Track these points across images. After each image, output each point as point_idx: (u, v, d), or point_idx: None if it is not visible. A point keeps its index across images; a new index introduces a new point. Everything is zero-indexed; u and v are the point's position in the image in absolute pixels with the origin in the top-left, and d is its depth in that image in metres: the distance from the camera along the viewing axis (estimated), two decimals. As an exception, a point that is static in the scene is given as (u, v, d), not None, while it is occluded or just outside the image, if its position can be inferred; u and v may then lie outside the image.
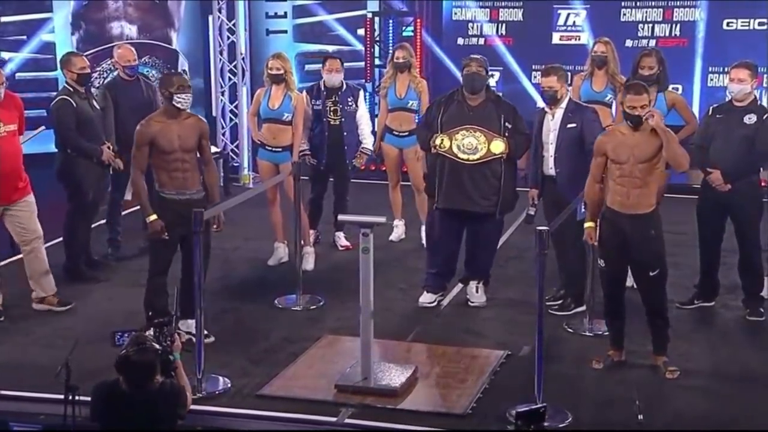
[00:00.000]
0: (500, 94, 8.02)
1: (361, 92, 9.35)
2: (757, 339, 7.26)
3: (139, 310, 7.26)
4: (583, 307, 7.59)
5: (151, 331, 5.51)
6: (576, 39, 14.01)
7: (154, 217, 6.88)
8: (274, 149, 8.84)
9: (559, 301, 7.73)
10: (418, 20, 13.37)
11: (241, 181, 12.29)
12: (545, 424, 5.21)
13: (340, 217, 6.50)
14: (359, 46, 13.92)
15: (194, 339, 6.48)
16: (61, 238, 8.62)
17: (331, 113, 9.07)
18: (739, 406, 6.16)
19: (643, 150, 6.41)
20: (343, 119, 9.09)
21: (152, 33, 13.63)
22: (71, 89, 8.29)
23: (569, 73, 9.17)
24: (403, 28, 13.75)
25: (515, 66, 14.10)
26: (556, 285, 7.79)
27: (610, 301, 6.73)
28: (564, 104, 7.55)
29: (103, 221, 9.24)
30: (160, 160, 6.90)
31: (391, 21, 13.61)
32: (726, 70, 12.99)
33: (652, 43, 13.31)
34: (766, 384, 6.48)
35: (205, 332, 6.61)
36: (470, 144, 7.52)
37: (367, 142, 9.29)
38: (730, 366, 6.75)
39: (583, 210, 7.06)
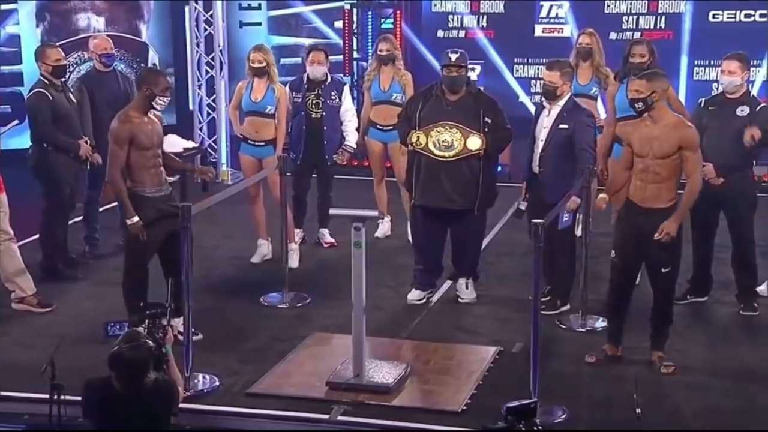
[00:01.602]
0: (481, 88, 8.14)
1: (347, 87, 9.45)
2: (752, 334, 7.47)
3: (120, 309, 7.37)
4: (568, 306, 7.80)
5: (144, 323, 5.59)
6: (559, 32, 14.24)
7: (136, 219, 6.96)
8: (256, 143, 8.98)
9: (546, 298, 7.88)
10: (398, 12, 13.51)
11: (220, 177, 12.33)
12: (537, 419, 5.29)
13: (332, 210, 6.65)
14: (337, 39, 14.05)
15: (181, 337, 6.61)
16: (36, 236, 8.69)
17: (313, 106, 9.18)
18: (737, 401, 6.35)
19: (661, 145, 6.55)
20: (324, 113, 9.20)
21: (120, 25, 13.69)
22: (47, 82, 8.37)
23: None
24: (383, 20, 13.87)
25: (497, 59, 14.29)
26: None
27: (616, 296, 6.90)
28: (562, 102, 7.64)
29: (79, 218, 9.31)
30: (139, 157, 6.97)
31: (370, 13, 13.72)
32: (712, 63, 13.49)
33: (637, 35, 13.51)
34: (762, 379, 6.69)
35: (192, 330, 6.73)
36: (446, 140, 7.65)
37: (351, 139, 9.38)
38: (727, 361, 6.94)
39: (565, 219, 7.21)
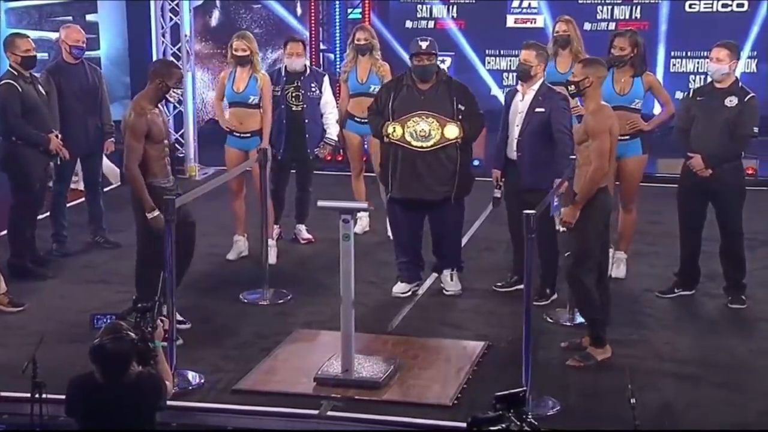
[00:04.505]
0: (449, 74, 8.37)
1: (326, 78, 9.61)
2: (741, 326, 7.79)
3: (93, 307, 7.54)
4: (556, 295, 8.11)
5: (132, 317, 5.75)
6: (532, 22, 14.44)
7: (156, 212, 7.22)
8: (242, 135, 9.14)
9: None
10: (366, 1, 13.68)
11: (187, 173, 12.49)
12: (527, 410, 5.45)
13: (320, 203, 6.82)
14: (302, 29, 14.22)
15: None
16: (2, 233, 8.85)
17: (293, 99, 9.35)
18: (727, 392, 6.66)
19: (577, 132, 7.04)
20: (305, 105, 9.37)
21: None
22: (16, 73, 8.53)
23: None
24: (350, 10, 14.06)
25: (468, 50, 14.48)
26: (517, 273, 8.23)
27: None
28: (536, 86, 7.97)
29: (46, 215, 9.44)
30: (152, 150, 7.29)
31: (336, 2, 13.91)
32: (689, 54, 13.81)
33: (612, 26, 13.81)
34: (752, 370, 7.02)
35: (180, 318, 7.02)
36: (423, 130, 7.92)
37: (332, 131, 9.56)
38: (717, 354, 7.27)
39: (555, 203, 7.49)
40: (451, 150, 7.97)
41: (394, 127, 7.97)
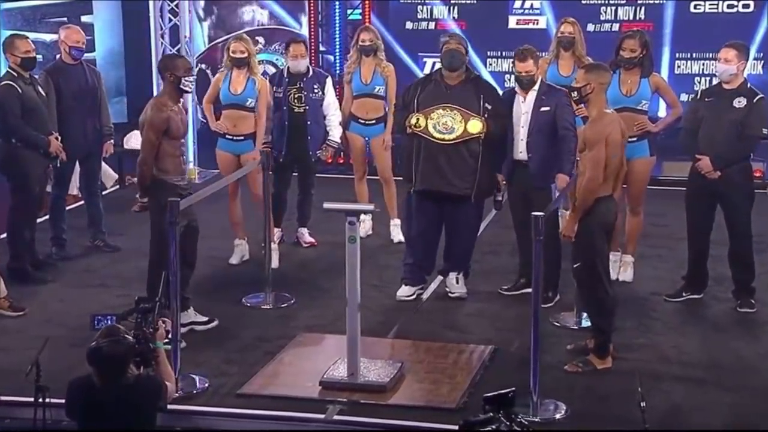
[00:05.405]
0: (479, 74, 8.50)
1: (329, 79, 9.68)
2: (750, 330, 7.87)
3: (93, 310, 7.58)
4: (558, 297, 8.23)
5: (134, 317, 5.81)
6: (534, 23, 14.44)
7: (145, 199, 7.50)
8: (234, 138, 9.21)
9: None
10: (366, 2, 13.74)
11: (187, 176, 12.51)
12: (517, 411, 5.49)
13: (326, 204, 6.89)
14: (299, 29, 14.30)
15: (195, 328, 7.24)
16: (2, 236, 8.92)
17: (295, 100, 9.42)
18: (735, 396, 6.74)
19: (579, 135, 7.19)
20: (307, 107, 9.43)
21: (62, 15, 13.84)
22: (15, 74, 8.61)
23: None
24: (350, 11, 14.14)
25: (469, 51, 14.45)
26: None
27: None
28: (536, 86, 8.13)
29: (45, 218, 9.54)
30: (168, 146, 7.44)
31: (336, 3, 13.99)
32: (694, 56, 13.86)
33: (616, 27, 13.87)
34: (760, 373, 7.10)
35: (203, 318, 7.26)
36: (446, 123, 8.05)
37: (334, 133, 9.62)
38: (724, 357, 7.36)
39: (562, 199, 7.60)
40: (474, 145, 8.08)
41: (417, 118, 8.10)
